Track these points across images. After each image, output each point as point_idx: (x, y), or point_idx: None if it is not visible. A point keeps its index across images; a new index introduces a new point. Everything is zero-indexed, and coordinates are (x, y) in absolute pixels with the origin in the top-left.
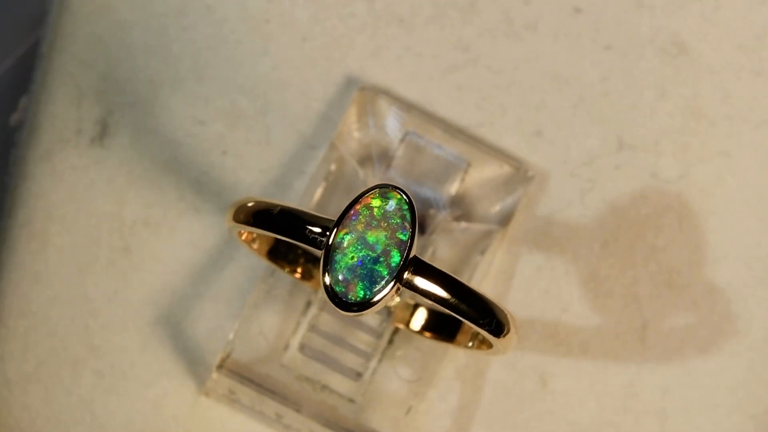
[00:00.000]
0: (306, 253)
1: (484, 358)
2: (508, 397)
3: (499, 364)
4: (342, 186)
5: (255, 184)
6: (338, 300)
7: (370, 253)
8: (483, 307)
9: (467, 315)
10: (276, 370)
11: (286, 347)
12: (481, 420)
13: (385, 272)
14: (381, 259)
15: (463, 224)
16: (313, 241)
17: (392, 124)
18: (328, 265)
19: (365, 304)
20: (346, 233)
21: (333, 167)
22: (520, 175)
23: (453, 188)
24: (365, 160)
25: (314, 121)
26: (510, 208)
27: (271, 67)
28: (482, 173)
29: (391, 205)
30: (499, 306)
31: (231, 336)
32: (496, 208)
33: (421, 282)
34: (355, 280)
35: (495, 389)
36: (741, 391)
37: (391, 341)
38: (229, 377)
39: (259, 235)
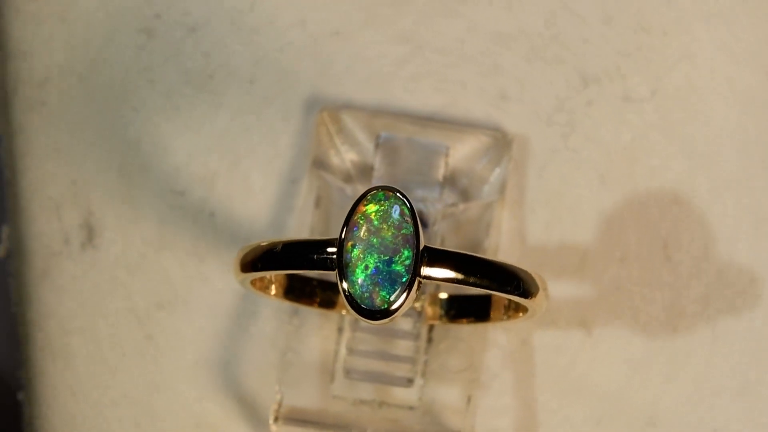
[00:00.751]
0: (321, 281)
1: (524, 326)
2: (559, 355)
3: (540, 328)
4: (334, 208)
5: (250, 233)
6: (366, 312)
7: (382, 256)
8: (505, 274)
9: (493, 286)
10: (330, 402)
11: (332, 377)
12: (542, 387)
13: (402, 270)
14: (394, 259)
15: (461, 206)
16: (323, 264)
17: (362, 134)
18: (346, 282)
19: (391, 309)
20: (352, 246)
21: (319, 193)
22: (499, 141)
23: (440, 174)
24: (348, 176)
25: (287, 156)
26: (501, 177)
27: (229, 118)
28: (464, 151)
29: (386, 204)
30: (521, 268)
31: (276, 386)
32: (489, 181)
33: (439, 270)
34: (376, 288)
35: (544, 353)
36: None
37: (430, 339)
38: (288, 425)
39: (271, 279)
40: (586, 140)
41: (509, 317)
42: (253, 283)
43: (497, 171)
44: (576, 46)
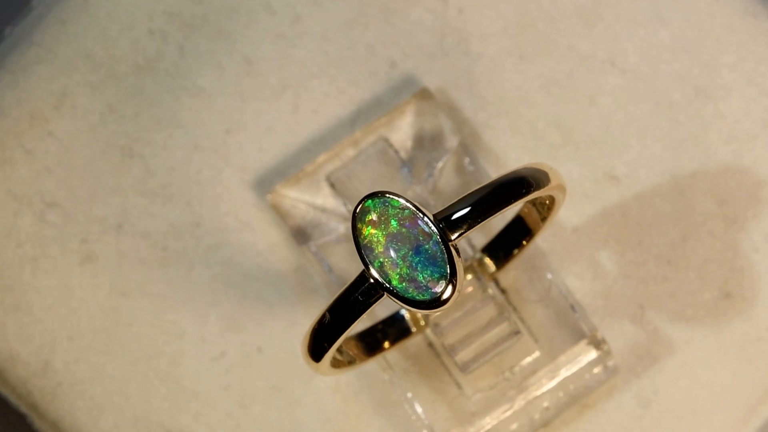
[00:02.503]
0: (382, 322)
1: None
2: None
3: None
4: (336, 261)
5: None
6: (432, 302)
7: (408, 251)
8: (515, 181)
9: (512, 200)
10: (477, 404)
11: (458, 385)
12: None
13: (435, 247)
14: (421, 245)
15: (439, 164)
16: (370, 296)
17: (319, 193)
18: (398, 295)
19: (450, 283)
20: (378, 263)
21: (309, 262)
22: (428, 98)
23: (398, 163)
24: (327, 232)
25: (263, 250)
26: (453, 125)
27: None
28: (404, 130)
29: (377, 209)
30: (519, 169)
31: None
32: (445, 135)
33: (461, 225)
34: (424, 276)
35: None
36: None
37: (503, 290)
38: None
39: (343, 352)
40: (513, 45)
41: (546, 215)
42: (335, 366)
43: (445, 121)
44: None
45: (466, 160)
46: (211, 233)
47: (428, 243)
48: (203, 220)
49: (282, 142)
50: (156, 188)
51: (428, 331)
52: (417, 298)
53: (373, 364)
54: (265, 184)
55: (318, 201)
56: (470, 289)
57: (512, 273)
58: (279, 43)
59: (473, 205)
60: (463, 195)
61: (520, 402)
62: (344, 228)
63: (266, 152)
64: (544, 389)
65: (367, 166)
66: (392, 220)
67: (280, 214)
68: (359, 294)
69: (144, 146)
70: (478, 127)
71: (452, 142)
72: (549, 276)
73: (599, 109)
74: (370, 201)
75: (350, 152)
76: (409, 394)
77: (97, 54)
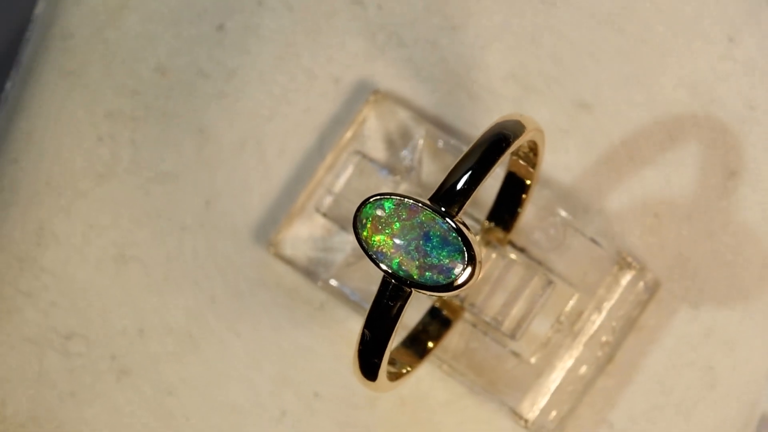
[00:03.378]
0: (422, 323)
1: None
2: None
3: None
4: (357, 283)
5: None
6: (458, 282)
7: (417, 240)
8: (493, 138)
9: (497, 156)
10: (540, 365)
11: (515, 354)
12: None
13: (441, 228)
14: (426, 230)
15: (416, 156)
16: (398, 298)
17: (315, 226)
18: (424, 285)
19: (470, 259)
20: (395, 263)
21: (331, 294)
22: (382, 99)
23: (379, 170)
24: (336, 260)
25: (284, 300)
26: (415, 115)
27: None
28: (371, 137)
29: (375, 213)
30: (493, 125)
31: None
32: (410, 127)
33: (459, 198)
34: (441, 259)
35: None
36: None
37: (522, 249)
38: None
39: (395, 363)
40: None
41: (534, 162)
42: (392, 379)
43: (402, 115)
44: None
45: (440, 142)
46: (228, 305)
47: (434, 226)
48: (216, 294)
49: (261, 193)
50: (160, 282)
51: (466, 314)
52: (443, 282)
53: (427, 366)
54: (261, 237)
55: (317, 233)
56: (491, 259)
57: (524, 230)
58: (223, 102)
59: (461, 176)
60: (449, 170)
61: (578, 347)
62: (351, 249)
63: (251, 208)
64: (596, 325)
65: (350, 184)
66: (391, 218)
67: (285, 260)
68: (388, 300)
69: (133, 248)
70: (439, 108)
71: (420, 131)
72: (562, 214)
73: (544, 47)
74: (364, 209)
75: (329, 177)
76: (472, 380)
77: (58, 180)
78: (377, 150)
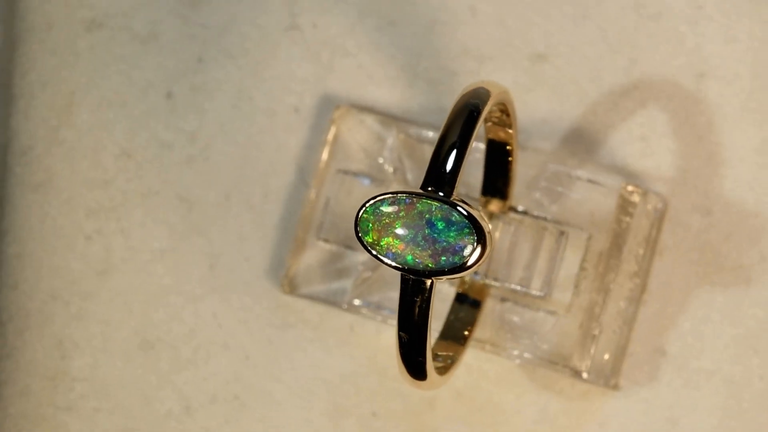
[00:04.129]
0: (451, 312)
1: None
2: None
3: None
4: (379, 294)
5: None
6: (475, 256)
7: (422, 231)
8: (463, 110)
9: (472, 125)
10: (577, 315)
11: (551, 312)
12: None
13: (442, 211)
14: (428, 218)
15: (395, 155)
16: (422, 292)
17: (321, 253)
18: (442, 271)
19: (481, 238)
20: (410, 258)
21: (358, 314)
22: (345, 113)
23: (365, 181)
24: (350, 279)
25: (313, 335)
26: (380, 118)
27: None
28: (348, 152)
29: (373, 222)
30: (458, 97)
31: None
32: (381, 131)
33: (447, 176)
34: (452, 241)
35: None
36: None
37: (524, 212)
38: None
39: (439, 356)
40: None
41: (510, 123)
42: (441, 373)
43: (368, 123)
44: None
45: (414, 136)
46: (262, 356)
47: (434, 212)
48: (248, 350)
49: (259, 239)
50: (191, 355)
51: (492, 290)
52: (459, 262)
53: (471, 351)
54: (273, 281)
55: (325, 260)
56: (499, 228)
57: (521, 194)
58: (193, 165)
59: (444, 156)
60: (431, 155)
61: (609, 286)
62: (362, 264)
63: (254, 257)
64: (620, 260)
65: (341, 203)
66: (393, 218)
67: (303, 296)
68: (412, 297)
69: (154, 331)
70: (403, 104)
71: (391, 132)
72: (552, 168)
73: (485, 15)
74: (362, 219)
75: (319, 203)
76: (518, 351)
77: (61, 290)
78: (357, 162)
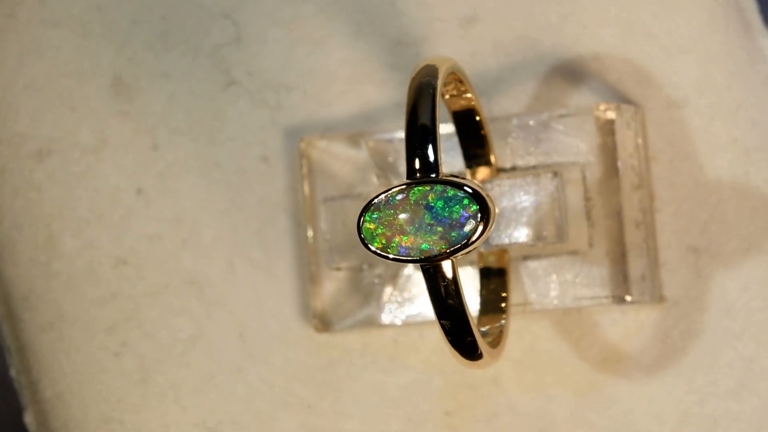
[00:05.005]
0: (481, 288)
1: None
2: None
3: None
4: (410, 294)
5: None
6: (482, 224)
7: (425, 218)
8: (419, 90)
9: (432, 101)
10: (602, 245)
11: (576, 252)
12: None
13: (436, 192)
14: (425, 204)
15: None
16: (443, 274)
17: (336, 282)
18: (455, 249)
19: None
20: (425, 246)
21: (402, 324)
22: (309, 143)
23: (348, 202)
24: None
25: (365, 362)
26: (341, 134)
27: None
28: (326, 181)
29: (378, 226)
30: (409, 82)
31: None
32: (348, 147)
33: (427, 159)
34: (455, 216)
35: None
36: None
37: (514, 168)
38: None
39: (487, 332)
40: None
41: (466, 88)
42: (494, 346)
43: (332, 146)
44: None
45: (385, 141)
46: (325, 400)
47: (428, 196)
48: (308, 400)
49: (276, 294)
50: (256, 425)
51: (511, 253)
52: (470, 231)
53: (515, 319)
54: (305, 325)
55: (346, 287)
56: (493, 191)
57: (502, 155)
58: (186, 252)
59: (417, 141)
60: (405, 147)
61: (618, 206)
62: (384, 275)
63: (278, 313)
64: (619, 178)
65: (339, 229)
66: (393, 217)
67: (338, 329)
68: (438, 283)
69: (211, 416)
70: (362, 117)
71: (359, 143)
72: (518, 121)
73: (403, 2)
74: (364, 230)
75: (319, 237)
76: (557, 301)
77: (107, 412)
78: (340, 185)
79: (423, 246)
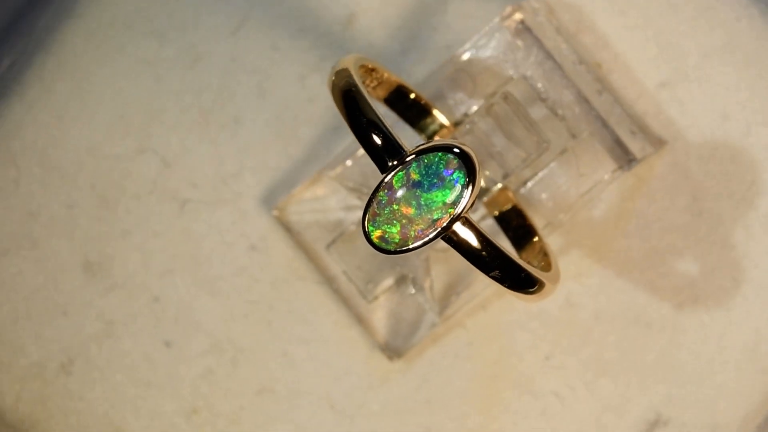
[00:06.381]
0: (499, 225)
1: None
2: None
3: None
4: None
5: None
6: (471, 174)
7: (418, 194)
8: (345, 99)
9: (364, 103)
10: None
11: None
12: None
13: (414, 169)
14: (414, 183)
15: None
16: (464, 232)
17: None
18: (458, 207)
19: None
20: (435, 218)
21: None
22: (280, 212)
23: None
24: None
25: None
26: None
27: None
28: (309, 220)
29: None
30: (332, 95)
31: None
32: (314, 194)
33: (390, 147)
34: (443, 176)
35: None
36: None
37: (465, 114)
38: None
39: (529, 259)
40: None
41: (383, 74)
42: (545, 269)
43: (326, 182)
44: None
45: (343, 166)
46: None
47: (411, 176)
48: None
49: (334, 368)
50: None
51: (510, 187)
52: (464, 180)
53: (552, 237)
54: (378, 360)
55: (394, 308)
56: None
57: (444, 108)
58: (219, 371)
59: (370, 137)
60: (363, 149)
61: (570, 84)
62: (415, 280)
63: (349, 371)
64: (559, 62)
65: (355, 263)
66: (396, 215)
67: (408, 351)
68: (466, 243)
69: None
70: (309, 157)
71: (323, 181)
72: (444, 70)
73: (283, 50)
74: (374, 242)
75: (341, 282)
76: (577, 199)
77: None
78: (327, 227)
79: (435, 217)
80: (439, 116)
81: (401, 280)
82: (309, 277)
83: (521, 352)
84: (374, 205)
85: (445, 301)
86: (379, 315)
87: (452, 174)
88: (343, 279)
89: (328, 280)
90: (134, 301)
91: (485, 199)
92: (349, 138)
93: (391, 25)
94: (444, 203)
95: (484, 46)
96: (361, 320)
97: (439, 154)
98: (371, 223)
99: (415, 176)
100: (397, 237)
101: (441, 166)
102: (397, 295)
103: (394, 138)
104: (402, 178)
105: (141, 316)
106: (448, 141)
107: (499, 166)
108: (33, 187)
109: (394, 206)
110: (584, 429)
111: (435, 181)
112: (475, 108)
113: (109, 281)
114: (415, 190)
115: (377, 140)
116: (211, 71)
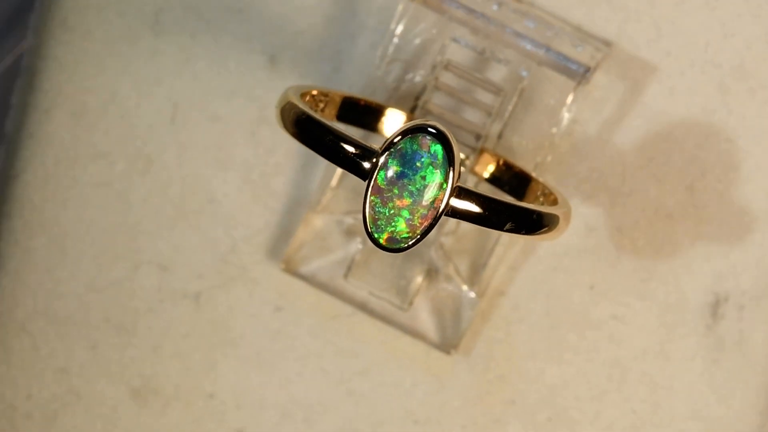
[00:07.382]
0: (496, 184)
1: None
2: None
3: None
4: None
5: None
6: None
7: (411, 181)
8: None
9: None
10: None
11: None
12: None
13: (390, 159)
14: (400, 174)
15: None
16: (465, 199)
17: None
18: (449, 173)
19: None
20: (432, 196)
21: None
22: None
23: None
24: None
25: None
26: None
27: None
28: (309, 271)
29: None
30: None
31: None
32: (298, 242)
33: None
34: (422, 154)
35: None
36: None
37: (417, 98)
38: None
39: (539, 198)
40: None
41: (324, 91)
42: (554, 202)
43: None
44: None
45: (323, 205)
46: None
47: (392, 169)
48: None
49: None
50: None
51: (492, 132)
52: (445, 153)
53: (550, 172)
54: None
55: (442, 304)
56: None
57: (391, 98)
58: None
59: (336, 154)
60: (339, 168)
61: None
62: (420, 284)
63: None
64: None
65: (375, 283)
66: (400, 213)
67: (462, 350)
68: (468, 210)
69: None
70: (293, 203)
71: (311, 222)
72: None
73: (229, 120)
74: (385, 246)
75: (371, 301)
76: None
77: None
78: (337, 264)
79: (432, 196)
80: (395, 111)
81: (426, 277)
82: (341, 313)
83: (566, 292)
84: (370, 211)
85: (475, 277)
86: (421, 317)
87: (429, 150)
88: (372, 300)
89: (360, 307)
90: (192, 406)
91: (470, 166)
92: (322, 165)
93: (312, 50)
94: (434, 182)
95: (404, 29)
96: (405, 330)
97: (408, 137)
98: (375, 229)
99: (396, 168)
100: (405, 231)
101: (415, 147)
102: (429, 293)
103: (360, 143)
104: (384, 175)
105: (205, 418)
106: (409, 124)
107: (468, 133)
108: (52, 345)
109: (390, 204)
110: (653, 336)
111: (416, 165)
112: (423, 88)
113: (162, 399)
114: (401, 181)
115: (346, 150)
116: (166, 168)
